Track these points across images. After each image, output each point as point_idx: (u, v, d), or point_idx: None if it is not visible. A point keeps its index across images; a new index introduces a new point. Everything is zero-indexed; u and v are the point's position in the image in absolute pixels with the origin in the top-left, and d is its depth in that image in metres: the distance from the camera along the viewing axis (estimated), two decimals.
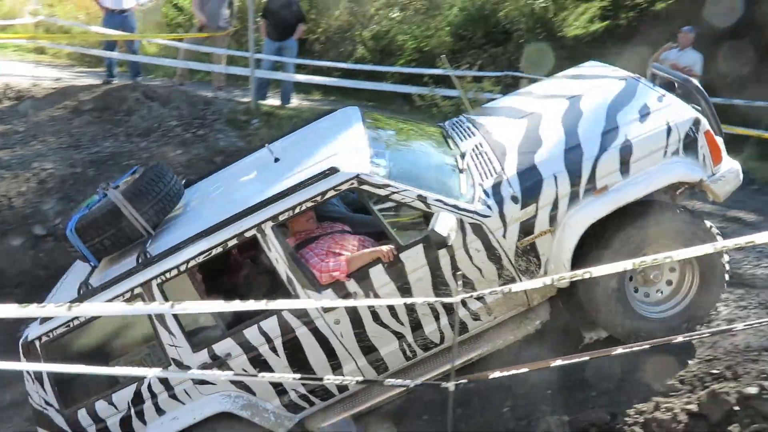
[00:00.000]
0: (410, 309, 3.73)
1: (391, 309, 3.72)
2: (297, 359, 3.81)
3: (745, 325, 3.28)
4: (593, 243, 3.62)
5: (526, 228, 3.64)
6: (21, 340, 3.93)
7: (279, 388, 3.91)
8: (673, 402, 3.40)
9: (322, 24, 13.34)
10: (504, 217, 3.62)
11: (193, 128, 8.20)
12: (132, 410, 3.94)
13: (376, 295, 3.67)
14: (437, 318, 3.79)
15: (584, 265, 3.18)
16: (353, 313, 3.72)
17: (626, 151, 3.56)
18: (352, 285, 3.69)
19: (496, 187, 3.70)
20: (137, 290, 3.76)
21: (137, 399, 3.94)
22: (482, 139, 4.16)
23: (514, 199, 3.63)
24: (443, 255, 3.62)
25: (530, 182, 3.65)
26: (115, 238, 3.92)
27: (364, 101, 11.95)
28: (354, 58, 12.79)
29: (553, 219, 3.61)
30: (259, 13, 9.44)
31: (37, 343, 3.87)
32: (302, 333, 3.77)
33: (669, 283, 3.81)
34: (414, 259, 3.64)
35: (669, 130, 3.56)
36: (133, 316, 3.98)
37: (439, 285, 3.68)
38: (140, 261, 3.78)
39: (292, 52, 9.22)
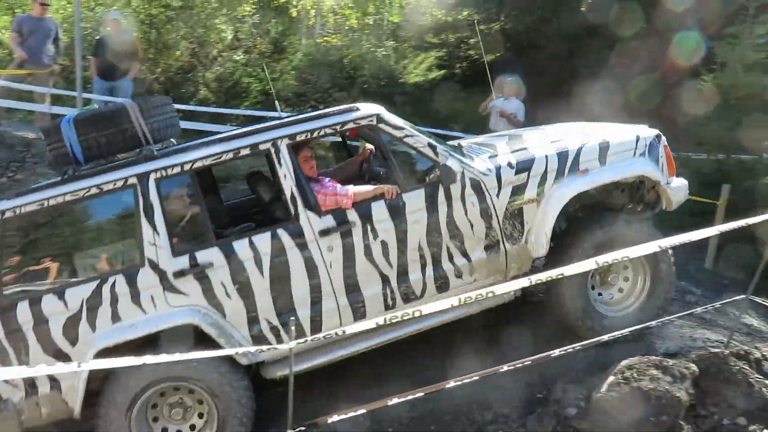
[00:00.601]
0: (401, 251, 3.80)
1: (384, 248, 3.78)
2: (280, 284, 3.71)
3: (560, 350, 3.38)
4: (564, 243, 4.02)
5: (517, 192, 3.95)
6: None
7: (252, 315, 3.70)
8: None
9: (161, 64, 12.84)
10: (500, 178, 3.92)
11: (10, 171, 7.42)
12: (84, 311, 3.56)
13: (374, 229, 3.76)
14: (424, 267, 3.86)
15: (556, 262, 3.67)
16: (347, 243, 3.75)
17: (604, 147, 4.08)
18: (352, 214, 3.76)
19: (495, 157, 4.07)
20: (131, 180, 3.64)
21: (94, 299, 3.57)
22: (484, 139, 4.77)
23: (510, 165, 3.97)
24: (441, 202, 3.84)
25: (525, 158, 4.03)
26: (112, 138, 3.70)
27: None
28: (196, 99, 12.41)
29: (540, 191, 3.95)
30: (89, 51, 8.88)
31: None
32: (293, 255, 3.71)
33: (620, 290, 4.17)
34: (414, 202, 3.82)
35: (638, 138, 4.17)
36: (116, 206, 3.76)
37: (432, 231, 3.83)
38: (142, 154, 3.70)
39: (126, 93, 8.68)
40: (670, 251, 4.01)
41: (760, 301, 4.11)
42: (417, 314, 3.15)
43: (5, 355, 3.53)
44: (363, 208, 3.78)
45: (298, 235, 3.71)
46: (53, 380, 3.57)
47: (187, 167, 3.68)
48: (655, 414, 3.14)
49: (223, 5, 13.35)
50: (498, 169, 3.95)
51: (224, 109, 11.35)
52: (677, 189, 4.20)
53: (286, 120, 3.93)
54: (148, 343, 3.52)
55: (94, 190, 3.63)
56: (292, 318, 3.34)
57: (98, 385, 3.56)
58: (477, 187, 3.88)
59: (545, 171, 3.97)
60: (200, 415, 3.73)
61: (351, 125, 3.86)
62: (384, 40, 15.01)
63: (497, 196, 3.91)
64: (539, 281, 3.27)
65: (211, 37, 13.35)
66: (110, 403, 3.52)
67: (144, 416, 3.66)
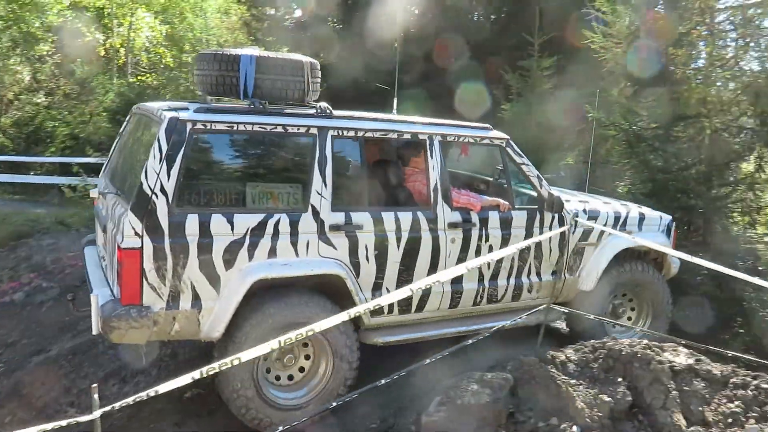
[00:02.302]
0: (500, 259, 4.40)
1: (489, 251, 4.36)
2: (407, 259, 4.11)
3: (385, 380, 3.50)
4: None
5: (585, 234, 4.83)
6: (169, 116, 3.53)
7: (378, 282, 4.06)
8: None
9: None
10: (576, 220, 4.72)
11: None
12: (246, 239, 3.66)
13: (486, 234, 4.41)
14: (509, 276, 4.58)
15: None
16: (466, 239, 4.30)
17: (642, 218, 5.21)
18: (474, 216, 4.35)
19: (569, 202, 4.90)
20: (313, 130, 3.88)
21: (258, 230, 3.70)
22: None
23: (584, 211, 4.90)
24: (537, 226, 4.61)
25: (593, 209, 5.01)
26: (284, 85, 3.93)
27: (7, 196, 10.42)
28: None
29: (599, 238, 4.86)
30: None
31: (188, 125, 3.56)
32: (425, 237, 4.16)
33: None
34: (519, 219, 4.55)
35: (661, 217, 5.37)
36: (293, 149, 3.97)
37: (524, 248, 4.44)
38: (319, 111, 3.98)
39: None
40: None
41: (560, 309, 4.52)
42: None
43: (163, 263, 3.49)
44: (482, 213, 4.43)
45: (432, 221, 4.22)
46: (195, 299, 3.60)
47: (360, 134, 4.07)
48: (479, 427, 3.28)
49: (17, 44, 12.21)
50: (576, 212, 4.80)
51: (25, 157, 10.33)
52: (676, 263, 5.31)
53: (437, 121, 4.49)
54: (290, 284, 3.79)
55: (279, 129, 3.81)
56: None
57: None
58: (562, 222, 4.69)
59: (606, 223, 4.92)
60: (306, 357, 3.98)
61: (488, 141, 4.60)
62: None
63: (573, 232, 4.76)
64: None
65: (4, 80, 12.12)
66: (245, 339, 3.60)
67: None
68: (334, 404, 3.51)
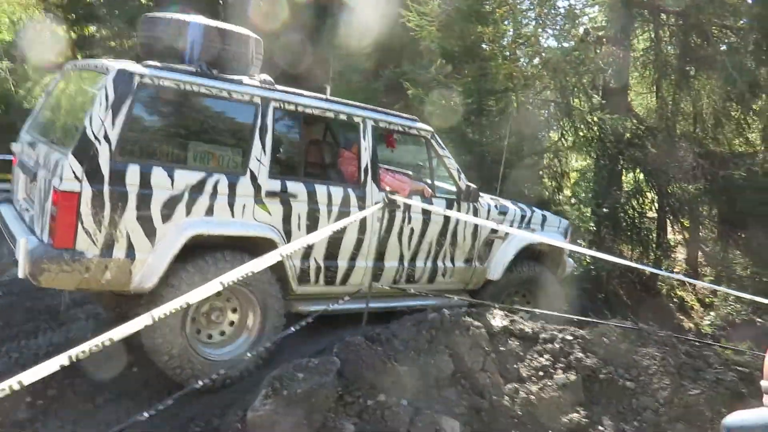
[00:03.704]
0: (419, 240, 4.73)
1: (411, 233, 4.68)
2: (336, 232, 4.06)
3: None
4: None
5: (494, 229, 5.04)
6: (118, 68, 3.56)
7: (306, 251, 4.21)
8: None
9: None
10: (489, 213, 5.16)
11: None
12: (185, 195, 3.72)
13: (410, 216, 4.65)
14: (427, 258, 4.84)
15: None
16: (391, 219, 4.55)
17: (544, 218, 5.73)
18: (399, 199, 4.44)
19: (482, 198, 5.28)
20: (256, 99, 4.01)
21: (198, 188, 3.76)
22: None
23: (496, 207, 5.29)
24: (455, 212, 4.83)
25: (504, 205, 5.44)
26: (230, 56, 4.07)
27: None
28: None
29: (506, 234, 5.16)
30: None
31: (136, 78, 3.58)
32: (353, 212, 4.26)
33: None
34: (437, 204, 4.78)
35: (560, 220, 5.94)
36: (236, 115, 4.03)
37: (442, 234, 4.86)
38: (263, 83, 4.13)
39: None
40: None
41: (380, 285, 4.59)
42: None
43: (100, 209, 3.48)
44: (408, 197, 4.62)
45: (361, 198, 4.41)
46: (130, 249, 3.60)
47: (300, 108, 4.22)
48: (308, 414, 3.21)
49: None
50: (488, 206, 5.20)
51: None
52: (570, 264, 5.86)
53: (373, 108, 4.72)
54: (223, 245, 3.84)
55: (224, 94, 3.88)
56: None
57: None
58: (476, 212, 5.05)
59: (513, 220, 5.35)
60: (233, 311, 4.05)
61: (414, 131, 4.88)
62: None
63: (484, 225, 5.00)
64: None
65: None
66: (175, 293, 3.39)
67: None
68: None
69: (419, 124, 4.95)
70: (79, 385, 3.89)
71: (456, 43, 7.87)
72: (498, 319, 4.04)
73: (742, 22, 8.66)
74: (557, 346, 3.71)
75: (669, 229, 10.09)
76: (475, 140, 7.86)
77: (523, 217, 5.50)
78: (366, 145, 4.51)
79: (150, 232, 3.63)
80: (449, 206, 4.88)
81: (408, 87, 7.86)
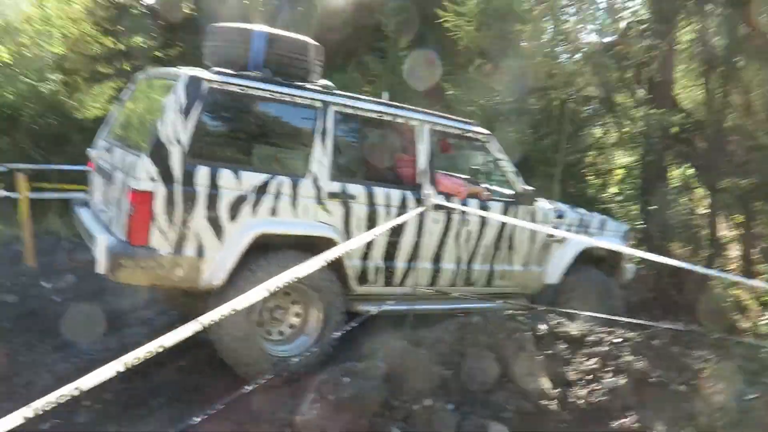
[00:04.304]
0: (477, 243, 4.80)
1: (468, 236, 4.75)
2: (394, 234, 4.34)
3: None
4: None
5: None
6: (189, 74, 3.78)
7: (365, 252, 4.36)
8: None
9: None
10: (546, 216, 5.18)
11: None
12: (252, 195, 3.88)
13: (467, 219, 4.69)
14: (484, 261, 4.89)
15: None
16: (447, 222, 4.64)
17: (604, 223, 5.75)
18: (455, 202, 4.63)
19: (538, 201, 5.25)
20: (317, 103, 4.15)
21: (263, 188, 3.92)
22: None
23: (553, 210, 5.29)
24: (511, 216, 4.84)
25: (561, 209, 5.42)
26: (291, 63, 4.22)
27: None
28: None
29: (563, 239, 5.11)
30: None
31: (205, 83, 3.79)
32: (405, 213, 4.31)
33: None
34: (494, 210, 4.85)
35: (619, 225, 5.92)
36: (298, 119, 4.16)
37: (499, 237, 4.90)
38: (325, 88, 4.29)
39: None
40: None
41: (422, 289, 4.62)
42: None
43: (173, 208, 3.66)
44: (464, 200, 4.72)
45: (419, 200, 4.45)
46: (200, 246, 3.77)
47: (359, 112, 4.37)
48: (355, 419, 3.24)
49: None
50: (545, 209, 5.17)
51: None
52: (631, 270, 5.75)
53: (431, 112, 4.79)
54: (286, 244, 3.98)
55: (287, 98, 4.06)
56: None
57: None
58: (533, 216, 5.04)
59: (570, 224, 5.30)
60: (296, 315, 4.21)
61: (471, 134, 4.93)
62: (48, 74, 13.43)
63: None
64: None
65: None
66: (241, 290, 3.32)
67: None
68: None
69: (477, 128, 5.00)
70: (134, 389, 4.02)
71: (495, 42, 7.80)
72: (545, 321, 4.00)
73: None
74: (606, 349, 3.65)
75: (721, 225, 9.78)
76: (516, 140, 7.78)
77: (581, 221, 5.45)
78: (423, 148, 4.59)
79: (218, 231, 3.81)
80: (505, 209, 4.93)
81: (447, 88, 7.84)
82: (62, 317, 5.04)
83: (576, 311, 4.51)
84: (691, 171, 9.18)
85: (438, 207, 4.47)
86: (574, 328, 3.80)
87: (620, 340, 3.64)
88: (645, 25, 9.12)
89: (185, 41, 13.03)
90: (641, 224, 8.13)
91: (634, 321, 3.90)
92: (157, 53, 13.22)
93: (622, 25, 8.83)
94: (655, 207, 8.09)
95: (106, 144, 4.60)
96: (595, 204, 8.27)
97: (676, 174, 9.48)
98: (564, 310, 4.51)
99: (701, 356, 3.58)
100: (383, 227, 4.00)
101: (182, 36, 13.01)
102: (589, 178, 9.07)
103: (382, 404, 3.36)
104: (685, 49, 9.39)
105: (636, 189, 8.96)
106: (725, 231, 9.94)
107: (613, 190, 9.38)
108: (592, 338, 3.73)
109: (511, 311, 4.22)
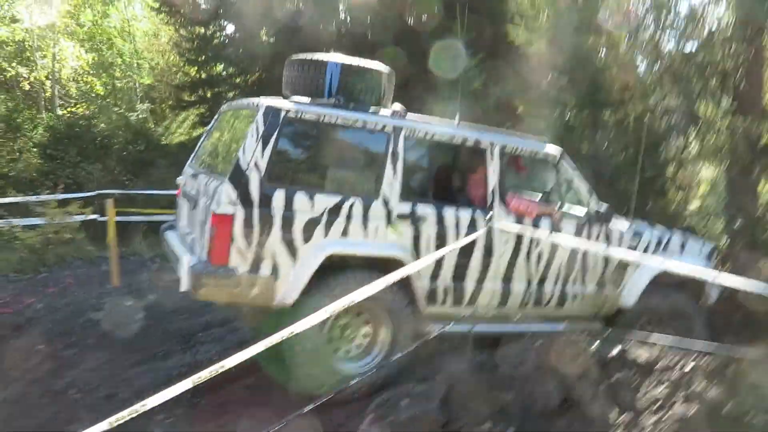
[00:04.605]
0: (548, 263, 4.71)
1: (539, 256, 4.67)
2: (464, 254, 4.38)
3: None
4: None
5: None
6: (266, 104, 3.98)
7: (435, 272, 4.37)
8: None
9: None
10: (622, 236, 5.00)
11: None
12: (324, 217, 4.01)
13: (537, 239, 4.60)
14: (556, 282, 4.78)
15: None
16: (518, 242, 4.59)
17: (684, 243, 5.39)
18: (527, 220, 4.61)
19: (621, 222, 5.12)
20: (388, 128, 4.27)
21: (335, 210, 4.05)
22: None
23: (629, 229, 5.06)
24: (584, 237, 4.82)
25: (639, 228, 5.17)
26: (363, 89, 4.38)
27: None
28: None
29: (629, 264, 4.94)
30: None
31: (282, 112, 3.98)
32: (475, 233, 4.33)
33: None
34: (566, 228, 4.79)
35: (703, 244, 5.54)
36: (369, 143, 4.29)
37: (572, 257, 4.78)
38: (396, 113, 4.41)
39: None
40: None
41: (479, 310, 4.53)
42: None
43: (250, 229, 3.84)
44: (535, 219, 4.67)
45: (488, 221, 4.45)
46: (275, 266, 3.93)
47: (428, 136, 4.44)
48: None
49: None
50: (621, 229, 5.01)
51: None
52: (714, 293, 5.35)
53: (501, 132, 4.94)
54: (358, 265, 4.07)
55: (359, 124, 4.21)
56: None
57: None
58: (608, 236, 4.92)
59: (648, 244, 5.09)
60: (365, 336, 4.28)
61: (542, 154, 4.86)
62: (137, 104, 14.33)
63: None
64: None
65: None
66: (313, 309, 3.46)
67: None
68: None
69: (548, 147, 4.93)
70: (205, 406, 4.18)
71: (568, 55, 7.63)
72: (616, 345, 3.84)
73: None
74: (676, 375, 3.46)
75: None
76: (590, 154, 7.55)
77: (660, 241, 5.21)
78: (493, 168, 4.59)
79: (292, 251, 3.95)
80: (580, 229, 4.82)
81: (517, 105, 7.74)
82: (143, 334, 5.32)
83: (647, 334, 4.33)
84: None
85: (495, 230, 4.44)
86: (645, 353, 3.62)
87: (692, 366, 3.44)
88: (730, 32, 8.69)
89: (264, 68, 13.60)
90: (727, 242, 7.67)
91: (709, 345, 3.68)
92: (237, 80, 13.79)
93: (704, 32, 8.43)
94: (742, 222, 7.62)
95: (193, 171, 4.84)
96: (678, 220, 7.87)
97: (766, 188, 8.90)
98: (634, 333, 4.33)
99: None
100: (447, 248, 4.00)
101: (261, 63, 13.58)
102: (670, 193, 8.65)
103: (441, 427, 3.34)
104: None
105: (721, 204, 8.47)
106: None
107: (696, 205, 8.91)
108: (663, 363, 3.54)
109: (577, 332, 4.07)
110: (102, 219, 7.26)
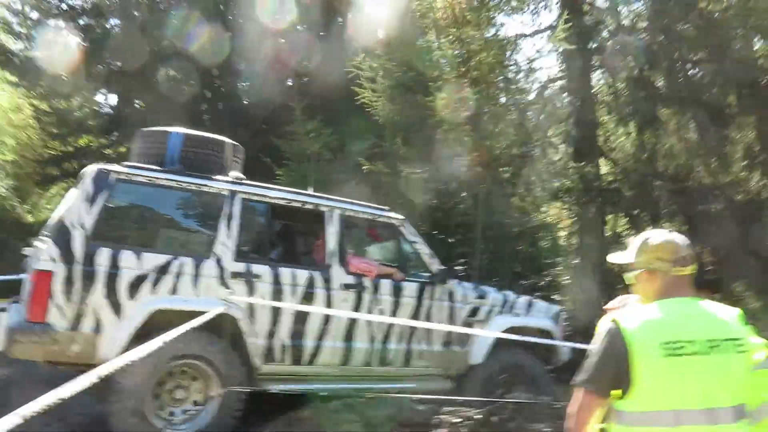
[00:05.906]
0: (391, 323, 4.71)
1: (380, 315, 4.67)
2: (301, 313, 4.41)
3: None
4: None
5: (474, 311, 5.15)
6: (97, 168, 4.09)
7: (271, 330, 4.39)
8: None
9: None
10: (466, 296, 5.15)
11: None
12: (152, 275, 4.04)
13: (378, 299, 4.73)
14: (400, 341, 4.82)
15: None
16: (357, 301, 4.67)
17: (530, 303, 5.57)
18: (368, 281, 4.74)
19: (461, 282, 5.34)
20: (224, 192, 4.44)
21: (163, 268, 4.09)
22: None
23: (473, 290, 5.28)
24: (426, 297, 4.94)
25: (483, 289, 5.37)
26: (206, 158, 4.58)
27: None
28: None
29: (487, 316, 5.19)
30: None
31: (112, 174, 4.10)
32: (319, 294, 4.54)
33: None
34: (409, 290, 4.89)
35: (549, 306, 5.78)
36: (204, 206, 4.47)
37: (412, 315, 4.81)
38: (235, 179, 4.57)
39: None
40: None
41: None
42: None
43: (71, 286, 3.82)
44: (376, 279, 4.77)
45: (327, 280, 4.58)
46: (97, 323, 3.90)
47: (266, 200, 4.64)
48: None
49: None
50: (465, 288, 5.17)
51: None
52: (565, 352, 5.40)
53: (343, 199, 5.01)
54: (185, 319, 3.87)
55: (194, 187, 4.36)
56: None
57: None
58: (451, 296, 5.01)
59: (493, 304, 5.22)
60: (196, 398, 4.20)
61: (384, 219, 5.07)
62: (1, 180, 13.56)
63: (461, 308, 5.06)
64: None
65: None
66: (141, 370, 3.71)
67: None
68: None
69: (389, 213, 5.15)
70: None
71: (405, 115, 7.85)
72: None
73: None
74: (444, 431, 3.47)
75: None
76: (439, 217, 7.73)
77: (505, 302, 5.33)
78: (333, 231, 4.76)
79: (116, 308, 3.95)
80: (422, 290, 4.92)
81: (364, 164, 7.78)
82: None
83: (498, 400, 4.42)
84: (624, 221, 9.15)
85: (347, 287, 4.55)
86: (422, 413, 3.63)
87: (459, 420, 3.47)
88: (559, 83, 9.30)
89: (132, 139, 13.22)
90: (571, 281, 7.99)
91: (483, 399, 3.74)
92: (107, 151, 13.33)
93: (534, 86, 8.97)
94: (583, 262, 7.98)
95: (40, 240, 4.77)
96: (528, 274, 8.11)
97: (610, 226, 9.43)
98: (482, 399, 4.39)
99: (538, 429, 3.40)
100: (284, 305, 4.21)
101: (131, 133, 13.21)
102: (519, 246, 8.82)
103: None
104: (603, 102, 9.55)
105: (573, 244, 8.87)
106: None
107: (546, 249, 9.23)
108: (434, 421, 3.55)
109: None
110: None
